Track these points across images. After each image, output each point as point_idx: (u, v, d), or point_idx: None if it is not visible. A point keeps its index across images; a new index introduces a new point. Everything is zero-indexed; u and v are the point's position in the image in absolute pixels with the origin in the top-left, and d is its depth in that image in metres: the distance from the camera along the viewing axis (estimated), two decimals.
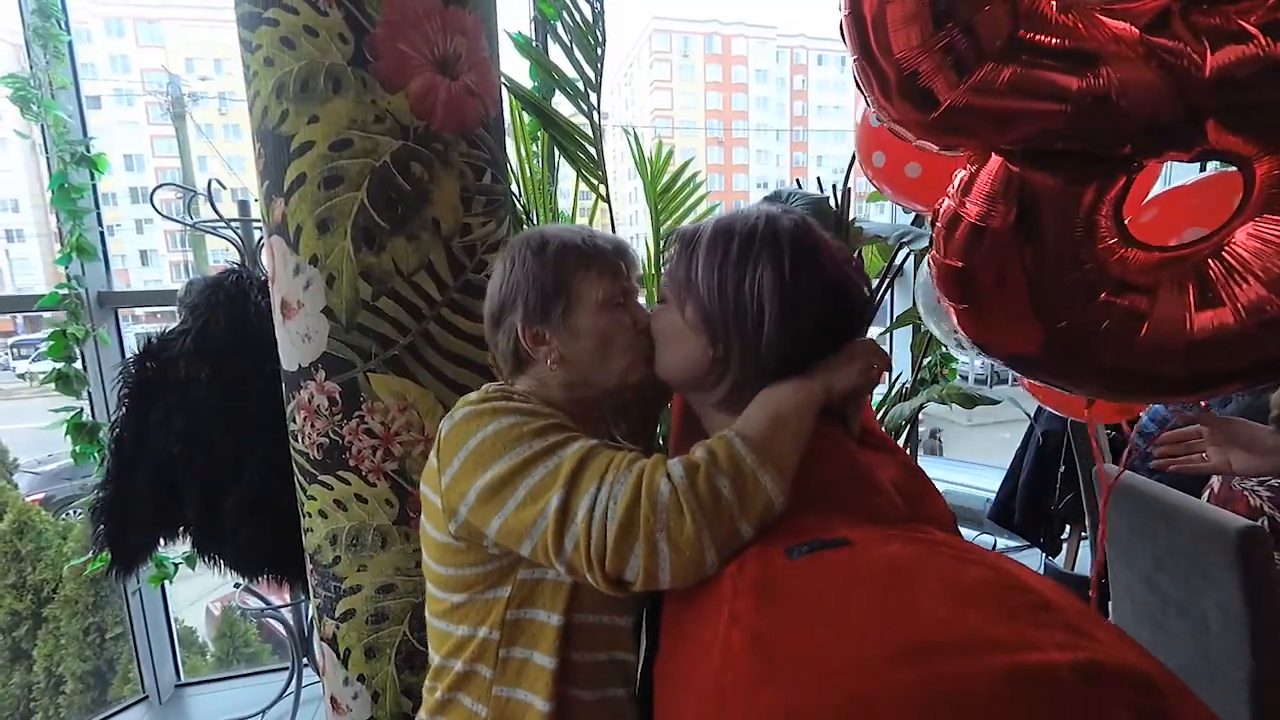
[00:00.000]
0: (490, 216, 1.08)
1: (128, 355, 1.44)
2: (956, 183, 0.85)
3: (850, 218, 1.72)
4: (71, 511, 2.69)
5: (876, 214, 2.82)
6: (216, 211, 1.50)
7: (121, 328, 1.85)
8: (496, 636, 0.68)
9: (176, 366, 1.38)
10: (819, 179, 1.87)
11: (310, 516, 1.10)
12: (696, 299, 0.59)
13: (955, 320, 0.91)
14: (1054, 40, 0.72)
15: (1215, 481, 1.33)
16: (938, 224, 0.88)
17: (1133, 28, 0.70)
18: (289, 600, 1.71)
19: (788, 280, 0.56)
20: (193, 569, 1.90)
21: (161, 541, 1.50)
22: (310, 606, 1.72)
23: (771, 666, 0.40)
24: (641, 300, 0.76)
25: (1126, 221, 0.82)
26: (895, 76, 0.75)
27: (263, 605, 1.71)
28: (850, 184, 1.78)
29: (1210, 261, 0.74)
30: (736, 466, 0.53)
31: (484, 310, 0.77)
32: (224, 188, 1.52)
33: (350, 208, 0.97)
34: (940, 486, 0.64)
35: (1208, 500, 1.30)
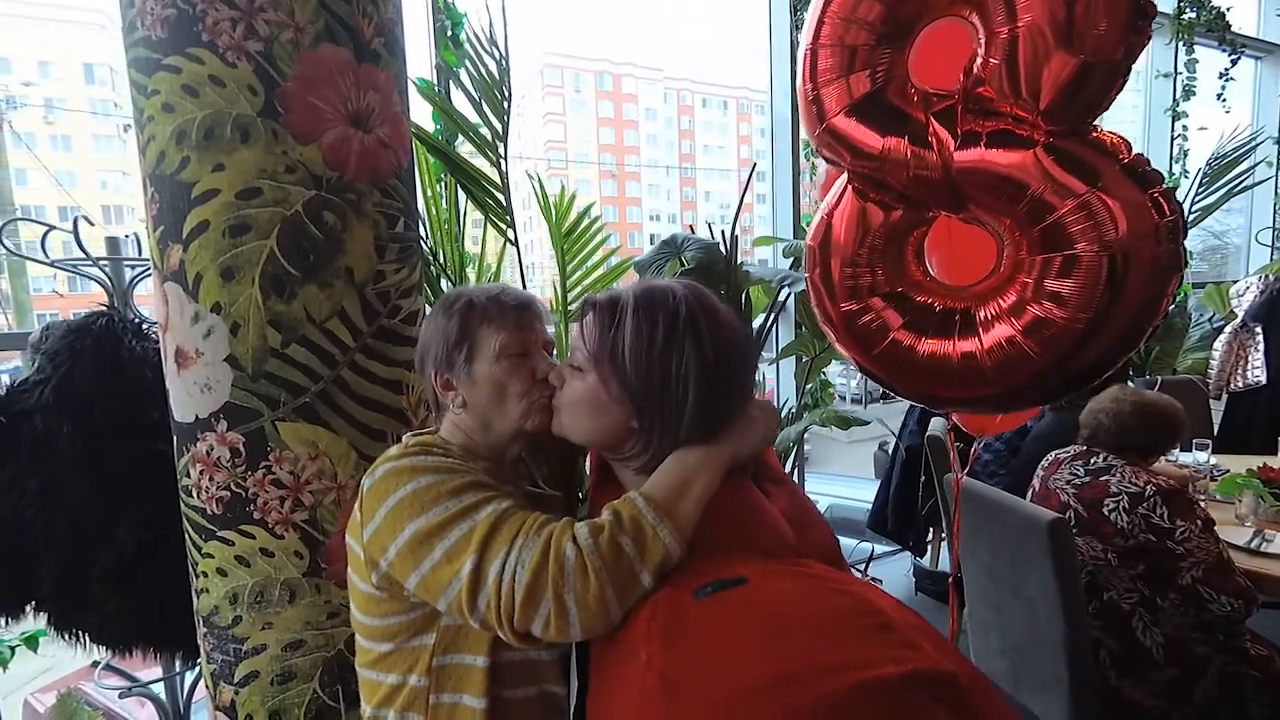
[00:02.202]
0: (404, 263, 1.10)
1: None
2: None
3: (738, 261, 1.90)
4: None
5: (758, 252, 3.10)
6: (82, 248, 1.38)
7: None
8: (426, 683, 0.70)
9: (31, 421, 1.24)
10: (709, 224, 2.04)
11: (205, 576, 1.04)
12: (623, 375, 0.63)
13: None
14: (888, 108, 0.96)
15: (1036, 481, 1.61)
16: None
17: (922, 114, 0.94)
18: (162, 674, 1.54)
19: (709, 360, 0.62)
20: (34, 651, 1.66)
21: (2, 622, 1.31)
22: (191, 676, 1.56)
23: (677, 702, 0.47)
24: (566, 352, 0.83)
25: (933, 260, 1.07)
26: (811, 96, 1.03)
27: (128, 683, 1.53)
28: (737, 229, 1.97)
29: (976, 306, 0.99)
30: (638, 525, 0.59)
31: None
32: (90, 223, 1.40)
33: (259, 256, 0.96)
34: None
35: (1030, 498, 1.58)
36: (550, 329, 0.82)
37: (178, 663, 1.50)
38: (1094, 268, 0.87)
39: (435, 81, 1.95)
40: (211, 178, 0.94)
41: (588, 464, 0.90)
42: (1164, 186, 0.82)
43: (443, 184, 1.74)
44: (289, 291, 0.97)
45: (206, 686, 1.10)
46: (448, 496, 0.65)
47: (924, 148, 0.95)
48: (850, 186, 1.03)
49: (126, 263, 1.47)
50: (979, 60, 0.88)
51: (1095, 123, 0.88)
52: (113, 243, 1.46)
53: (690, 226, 2.10)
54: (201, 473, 1.01)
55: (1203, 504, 1.80)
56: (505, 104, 1.54)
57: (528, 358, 0.76)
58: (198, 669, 1.45)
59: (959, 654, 0.47)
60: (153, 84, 0.95)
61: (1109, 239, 0.84)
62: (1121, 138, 0.87)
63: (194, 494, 1.02)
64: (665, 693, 0.48)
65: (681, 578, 0.57)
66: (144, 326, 1.37)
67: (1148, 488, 1.32)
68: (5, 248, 1.36)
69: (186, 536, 1.07)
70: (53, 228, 1.42)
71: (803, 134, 2.88)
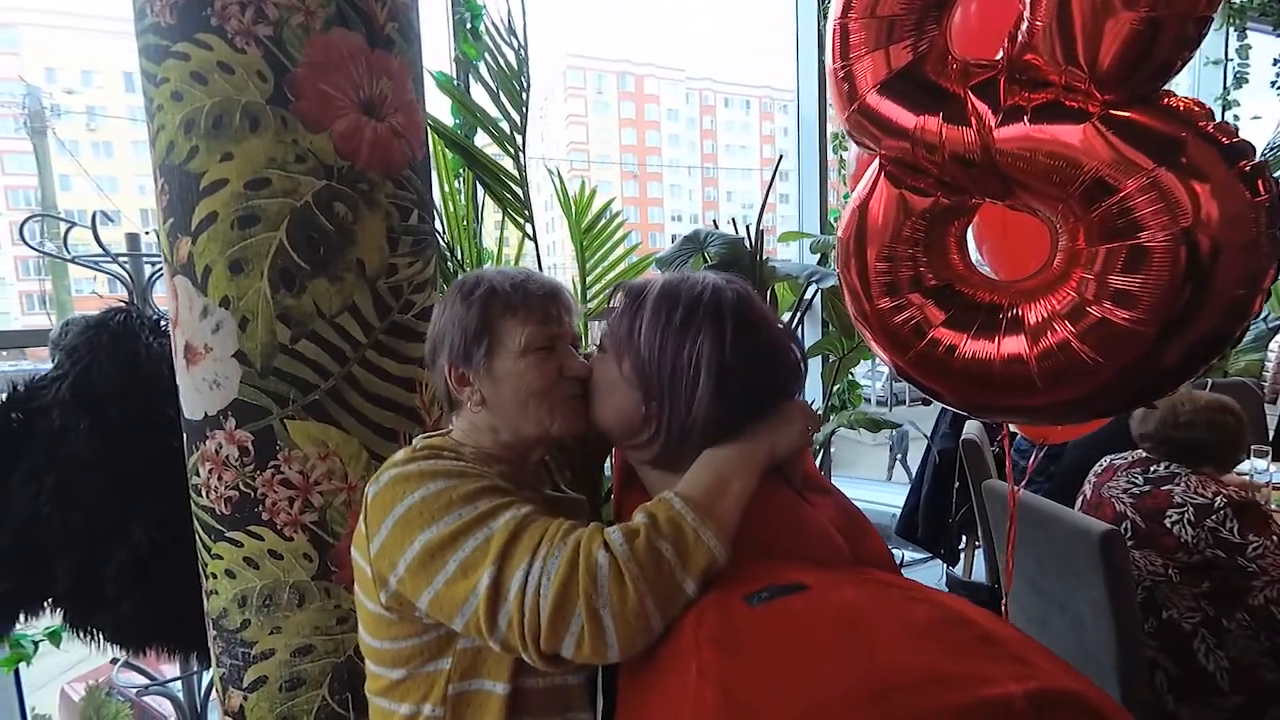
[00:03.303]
0: (417, 256, 1.07)
1: None
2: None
3: (763, 256, 1.84)
4: None
5: (783, 250, 3.02)
6: (101, 245, 1.37)
7: None
8: (441, 714, 0.64)
9: (48, 417, 1.23)
10: (733, 220, 1.98)
11: (215, 578, 1.01)
12: (635, 357, 0.60)
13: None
14: (923, 83, 0.88)
15: (1087, 488, 1.51)
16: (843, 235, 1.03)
17: (959, 88, 0.85)
18: (180, 673, 1.53)
19: (727, 353, 0.58)
20: (57, 646, 1.66)
21: (22, 618, 1.31)
22: (208, 678, 1.56)
23: (744, 717, 0.40)
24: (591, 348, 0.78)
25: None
26: (842, 73, 0.95)
27: (147, 681, 1.52)
28: (762, 224, 1.90)
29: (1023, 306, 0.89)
30: (677, 527, 0.54)
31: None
32: (111, 221, 1.40)
33: (268, 248, 0.93)
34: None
35: (1080, 506, 1.48)
36: (576, 322, 0.76)
37: (195, 662, 1.48)
38: (1169, 259, 0.74)
39: (455, 75, 1.93)
40: (220, 168, 0.92)
41: (611, 467, 0.85)
42: (1258, 159, 0.72)
43: (460, 179, 1.71)
44: (299, 285, 0.94)
45: (216, 690, 1.07)
46: (460, 503, 0.59)
47: (961, 125, 0.86)
48: (884, 172, 0.96)
49: (146, 259, 1.46)
50: (1024, 23, 0.78)
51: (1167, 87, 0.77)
52: (132, 239, 1.45)
53: (714, 222, 2.04)
54: (210, 471, 0.98)
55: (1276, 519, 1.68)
56: (524, 95, 1.50)
57: (554, 353, 0.69)
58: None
59: (1075, 670, 0.40)
60: (162, 72, 0.93)
61: (1188, 224, 0.72)
62: (1199, 102, 0.75)
63: (203, 493, 1.00)
64: (728, 707, 0.41)
65: (728, 584, 0.51)
66: (162, 323, 1.36)
67: (1217, 499, 1.22)
68: (27, 244, 1.36)
69: (197, 537, 1.04)
70: (74, 224, 1.42)
71: (830, 127, 2.79)
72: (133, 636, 1.29)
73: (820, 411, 2.23)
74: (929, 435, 2.36)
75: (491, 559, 0.55)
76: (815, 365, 2.46)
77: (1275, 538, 1.19)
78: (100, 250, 1.39)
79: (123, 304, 1.38)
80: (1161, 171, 0.73)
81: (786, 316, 1.98)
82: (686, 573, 0.52)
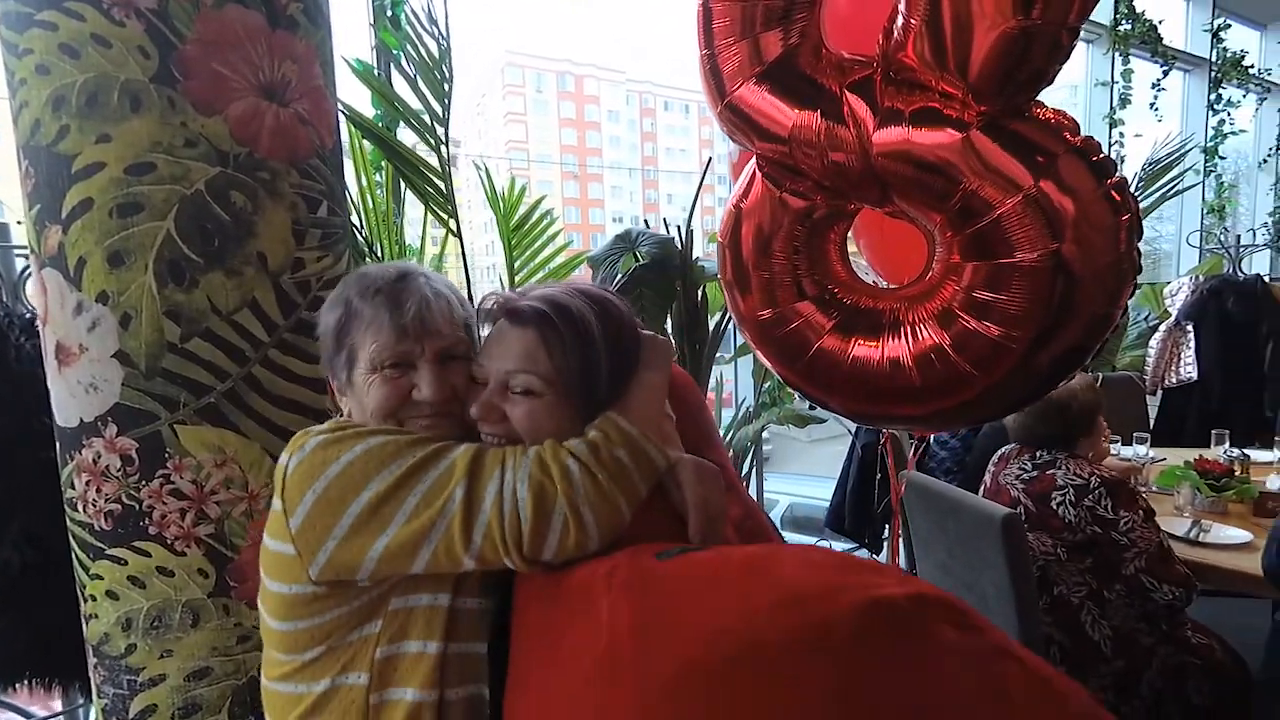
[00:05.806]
0: (327, 250, 1.01)
1: None
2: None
3: (693, 256, 1.86)
4: None
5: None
6: None
7: None
8: (365, 681, 0.61)
9: None
10: (665, 220, 2.00)
11: (94, 600, 0.92)
12: (586, 390, 0.63)
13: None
14: (797, 77, 0.86)
15: (988, 478, 1.61)
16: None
17: (835, 85, 0.84)
18: (61, 708, 1.39)
19: (623, 332, 0.66)
20: None
21: None
22: (94, 711, 1.42)
23: (657, 640, 0.44)
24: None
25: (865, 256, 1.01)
26: (708, 63, 0.90)
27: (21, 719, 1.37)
28: (693, 225, 1.92)
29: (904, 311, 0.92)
30: (627, 436, 0.60)
31: None
32: None
33: (153, 239, 0.85)
34: None
35: (982, 494, 1.57)
36: (468, 326, 0.71)
37: (78, 695, 1.35)
38: (1041, 278, 0.75)
39: (375, 65, 1.85)
40: (95, 150, 0.84)
41: None
42: (1119, 176, 0.76)
43: (381, 173, 1.64)
44: (189, 279, 0.87)
45: None
46: (409, 447, 0.60)
47: (838, 125, 0.82)
48: (760, 173, 0.95)
49: (17, 252, 1.32)
50: (899, 20, 0.76)
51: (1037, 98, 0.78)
52: (0, 229, 1.31)
53: (645, 221, 2.05)
54: (88, 483, 0.89)
55: (1143, 495, 1.85)
56: (446, 85, 1.46)
57: (413, 370, 0.65)
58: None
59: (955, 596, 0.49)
60: (24, 42, 0.84)
61: (1058, 244, 0.73)
62: (1067, 115, 0.77)
63: (79, 507, 0.91)
64: (639, 633, 0.45)
65: (638, 548, 0.55)
66: (36, 323, 1.23)
67: (1092, 479, 1.33)
68: None
69: (73, 555, 0.95)
70: None
71: None
72: (3, 668, 1.16)
73: (750, 410, 2.28)
74: (853, 432, 2.46)
75: (459, 479, 0.57)
76: (745, 364, 2.51)
77: (1141, 512, 1.31)
78: None
79: None
80: (1037, 189, 0.74)
81: (717, 317, 2.01)
82: (641, 478, 0.59)
